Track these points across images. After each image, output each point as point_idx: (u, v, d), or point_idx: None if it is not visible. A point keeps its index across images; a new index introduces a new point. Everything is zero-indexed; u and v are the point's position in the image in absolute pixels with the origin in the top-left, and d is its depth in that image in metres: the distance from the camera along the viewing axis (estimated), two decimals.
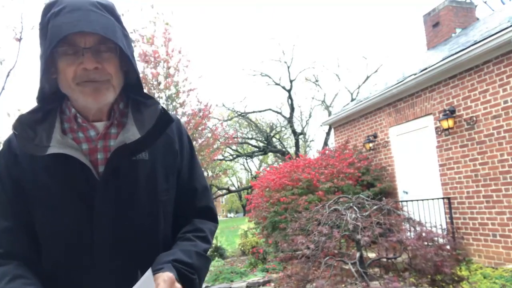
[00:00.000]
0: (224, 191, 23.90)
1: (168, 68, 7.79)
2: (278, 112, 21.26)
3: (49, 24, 0.90)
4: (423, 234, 3.56)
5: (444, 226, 5.86)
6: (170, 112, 1.06)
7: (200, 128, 8.56)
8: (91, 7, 0.90)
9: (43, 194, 0.95)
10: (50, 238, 0.96)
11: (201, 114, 8.44)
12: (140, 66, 7.52)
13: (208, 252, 1.10)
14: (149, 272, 0.79)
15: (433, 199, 6.62)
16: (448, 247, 3.67)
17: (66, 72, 0.91)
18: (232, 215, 51.05)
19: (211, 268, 7.17)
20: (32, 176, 0.95)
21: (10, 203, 0.97)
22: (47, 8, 0.93)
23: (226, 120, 20.11)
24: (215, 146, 9.79)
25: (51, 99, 1.01)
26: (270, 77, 20.66)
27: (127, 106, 1.05)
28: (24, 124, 0.96)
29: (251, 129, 22.21)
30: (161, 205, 1.03)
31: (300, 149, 21.59)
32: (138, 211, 0.98)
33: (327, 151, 9.62)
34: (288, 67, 20.30)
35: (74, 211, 0.94)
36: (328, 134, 19.67)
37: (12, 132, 0.96)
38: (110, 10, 0.95)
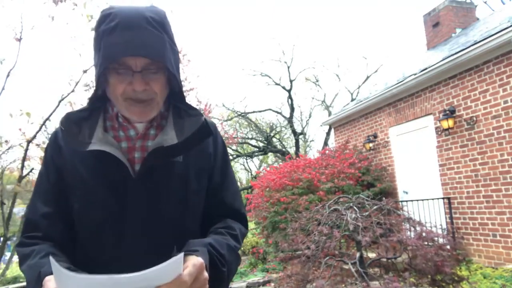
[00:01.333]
0: None
1: None
2: (278, 112, 21.25)
3: (102, 39, 0.94)
4: (423, 234, 3.56)
5: (444, 226, 5.87)
6: (207, 118, 1.10)
7: None
8: (145, 24, 0.93)
9: (81, 187, 1.00)
10: (84, 228, 1.01)
11: None
12: None
13: None
14: (180, 256, 0.78)
15: (433, 199, 6.62)
16: (448, 247, 3.67)
17: (116, 87, 0.97)
18: None
19: None
20: (72, 168, 1.02)
21: (52, 191, 1.04)
22: (101, 20, 0.96)
23: (226, 120, 20.11)
24: None
25: (99, 99, 1.07)
26: (270, 77, 20.65)
27: (167, 109, 1.10)
28: (70, 120, 1.02)
29: (251, 129, 22.18)
30: (191, 205, 1.06)
31: (300, 149, 21.58)
32: (169, 210, 1.02)
33: (327, 151, 9.63)
34: (288, 67, 20.30)
35: (108, 205, 0.99)
36: (328, 134, 19.66)
37: (59, 127, 1.03)
38: (162, 25, 0.97)
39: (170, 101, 1.10)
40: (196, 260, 0.85)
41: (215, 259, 0.93)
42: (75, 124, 1.02)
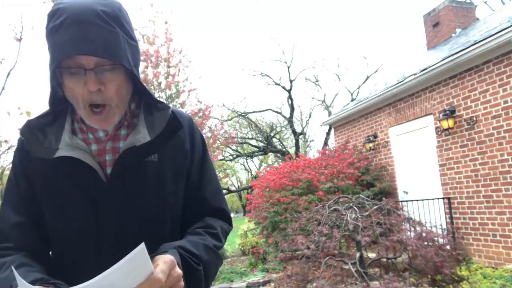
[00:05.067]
0: (224, 191, 23.91)
1: (169, 68, 7.79)
2: (278, 112, 21.28)
3: (50, 38, 0.88)
4: (423, 234, 3.56)
5: (444, 226, 5.86)
6: (183, 111, 1.07)
7: (199, 128, 8.56)
8: (94, 19, 0.86)
9: (52, 193, 0.97)
10: (58, 235, 0.98)
11: (201, 114, 8.44)
12: (141, 65, 7.51)
13: None
14: (142, 246, 0.73)
15: (433, 199, 6.62)
16: (448, 247, 3.68)
17: (74, 91, 0.90)
18: (232, 215, 50.88)
19: None
20: (41, 175, 0.97)
21: (23, 199, 0.99)
22: (50, 17, 0.89)
23: (226, 120, 20.12)
24: (215, 146, 9.79)
25: (62, 101, 0.99)
26: (270, 77, 20.68)
27: (138, 106, 1.04)
28: (32, 128, 0.98)
29: (251, 129, 22.20)
30: (169, 208, 1.02)
31: (300, 149, 21.59)
32: (145, 214, 0.98)
33: (327, 151, 9.63)
34: (288, 67, 20.32)
35: (81, 211, 0.96)
36: (328, 134, 19.68)
37: (19, 138, 0.98)
38: (115, 18, 0.90)
39: (142, 97, 1.04)
40: (166, 258, 0.83)
41: (187, 258, 0.91)
42: (39, 131, 0.98)
